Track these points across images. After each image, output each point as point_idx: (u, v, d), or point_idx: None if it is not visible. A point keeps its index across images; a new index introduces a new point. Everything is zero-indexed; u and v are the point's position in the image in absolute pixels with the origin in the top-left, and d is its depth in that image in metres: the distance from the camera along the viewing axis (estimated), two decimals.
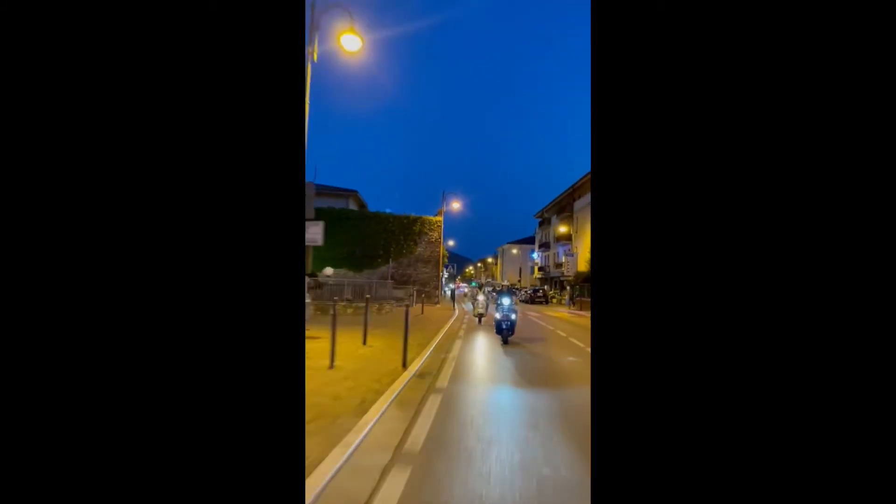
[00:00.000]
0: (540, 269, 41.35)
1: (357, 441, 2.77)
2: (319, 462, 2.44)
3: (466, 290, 32.45)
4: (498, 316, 8.58)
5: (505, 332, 8.36)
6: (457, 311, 16.94)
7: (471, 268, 78.69)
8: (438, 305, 19.36)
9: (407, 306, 6.00)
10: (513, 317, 8.49)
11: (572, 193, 31.78)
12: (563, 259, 30.90)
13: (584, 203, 28.30)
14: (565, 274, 29.82)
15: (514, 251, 53.07)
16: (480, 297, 12.98)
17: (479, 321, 12.49)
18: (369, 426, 3.07)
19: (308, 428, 2.82)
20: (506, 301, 8.65)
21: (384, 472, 2.41)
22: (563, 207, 34.56)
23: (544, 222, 41.78)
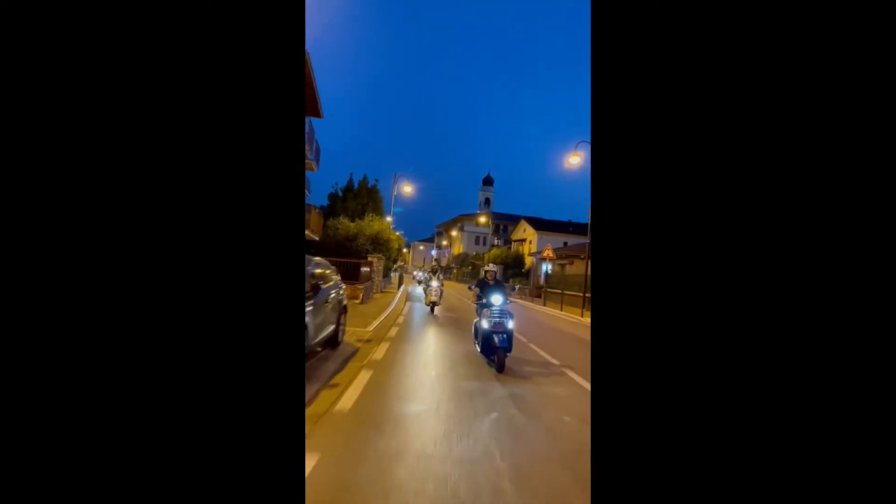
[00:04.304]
0: (436, 260, 69.97)
1: None
2: None
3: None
4: (486, 325, 4.93)
5: (500, 350, 4.73)
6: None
7: None
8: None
9: None
10: (509, 325, 4.93)
11: (451, 224, 60.45)
12: (443, 256, 59.72)
13: (455, 230, 57.04)
14: (443, 264, 58.61)
15: (421, 248, 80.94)
16: (434, 283, 10.92)
17: (432, 310, 10.57)
18: None
19: None
20: (497, 299, 5.13)
21: None
22: (448, 227, 62.97)
23: (440, 233, 70.08)
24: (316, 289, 4.49)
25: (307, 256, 5.03)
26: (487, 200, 63.74)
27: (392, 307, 11.72)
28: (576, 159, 14.57)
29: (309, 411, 3.17)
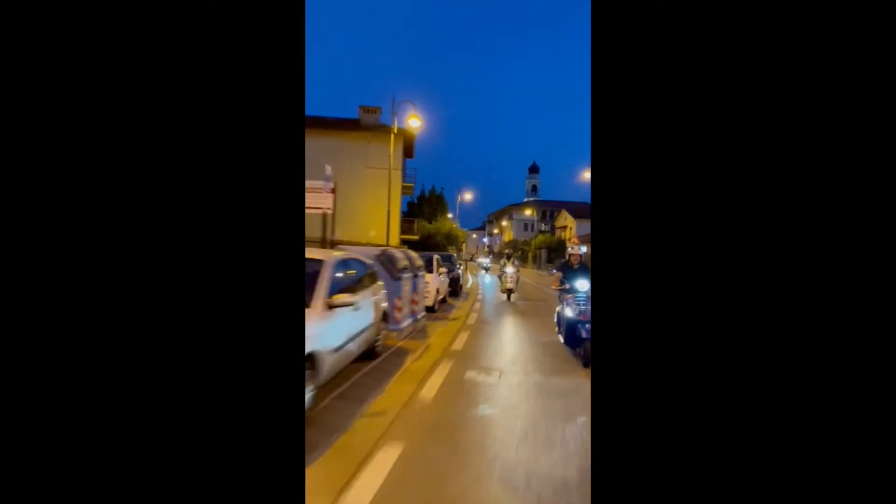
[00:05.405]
0: (488, 247, 76.99)
1: None
2: None
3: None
4: (570, 314, 4.74)
5: (586, 342, 4.43)
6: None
7: None
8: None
9: None
10: None
11: (500, 213, 67.08)
12: (494, 243, 66.80)
13: (504, 220, 63.71)
14: (494, 251, 65.60)
15: (474, 236, 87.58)
16: (509, 270, 11.39)
17: (509, 297, 11.22)
18: None
19: None
20: (583, 284, 4.89)
21: None
22: (498, 217, 69.62)
23: (490, 222, 76.92)
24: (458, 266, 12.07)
25: (450, 256, 12.99)
26: (534, 187, 68.93)
27: (469, 283, 18.77)
28: (589, 174, 20.69)
29: (468, 304, 10.69)
